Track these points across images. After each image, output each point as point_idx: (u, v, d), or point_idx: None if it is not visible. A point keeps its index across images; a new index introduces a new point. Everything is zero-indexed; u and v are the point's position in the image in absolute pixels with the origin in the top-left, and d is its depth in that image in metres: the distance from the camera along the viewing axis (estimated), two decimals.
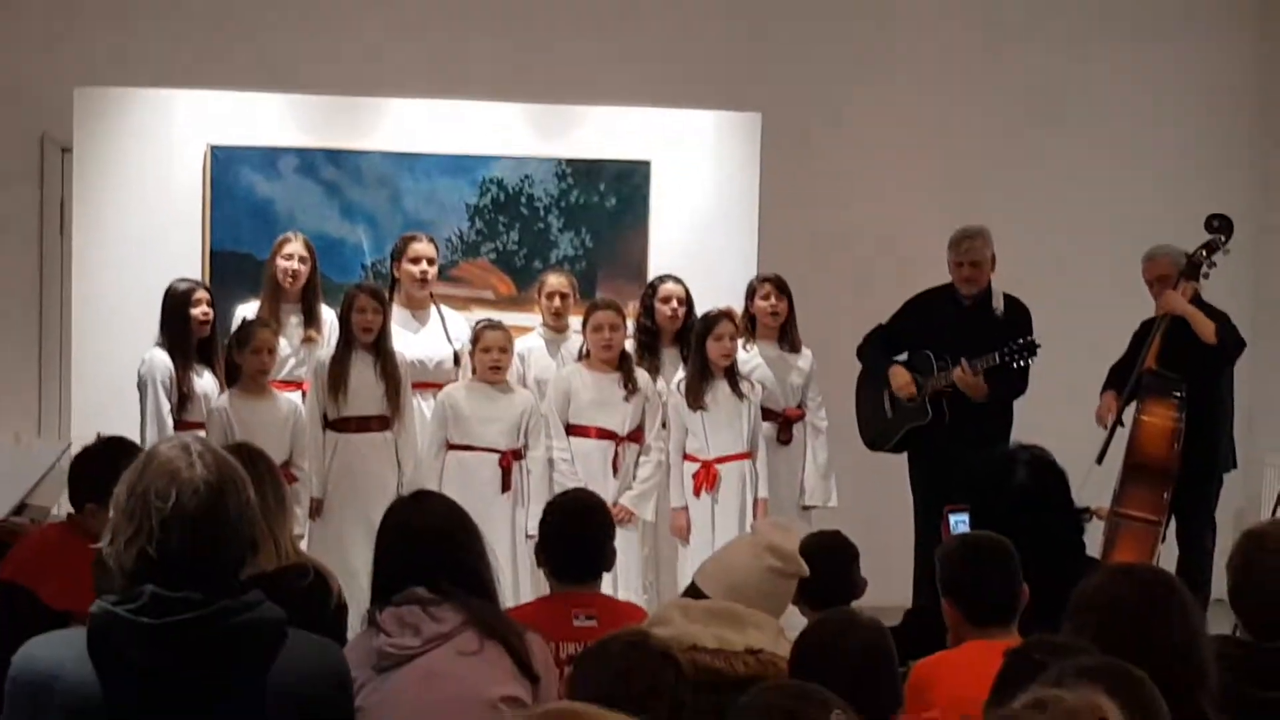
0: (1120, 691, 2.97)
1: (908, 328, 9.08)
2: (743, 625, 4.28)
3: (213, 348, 8.55)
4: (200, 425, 8.22)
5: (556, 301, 8.98)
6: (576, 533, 5.13)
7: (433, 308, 9.05)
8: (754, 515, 8.53)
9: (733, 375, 8.60)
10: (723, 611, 4.33)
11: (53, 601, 5.06)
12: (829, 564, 5.24)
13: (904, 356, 9.02)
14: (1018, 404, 8.84)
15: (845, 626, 3.94)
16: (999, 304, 8.92)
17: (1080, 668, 3.09)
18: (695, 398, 8.55)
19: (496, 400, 8.50)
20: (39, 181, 10.46)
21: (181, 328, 8.36)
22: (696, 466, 8.61)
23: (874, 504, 9.11)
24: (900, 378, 8.93)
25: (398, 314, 8.79)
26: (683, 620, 4.23)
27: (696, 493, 8.56)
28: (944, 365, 8.74)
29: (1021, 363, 8.54)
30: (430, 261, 8.94)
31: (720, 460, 8.59)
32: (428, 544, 4.25)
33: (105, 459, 5.22)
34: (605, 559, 5.12)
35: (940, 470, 8.64)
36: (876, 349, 9.14)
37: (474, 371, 8.59)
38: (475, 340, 8.54)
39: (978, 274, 8.89)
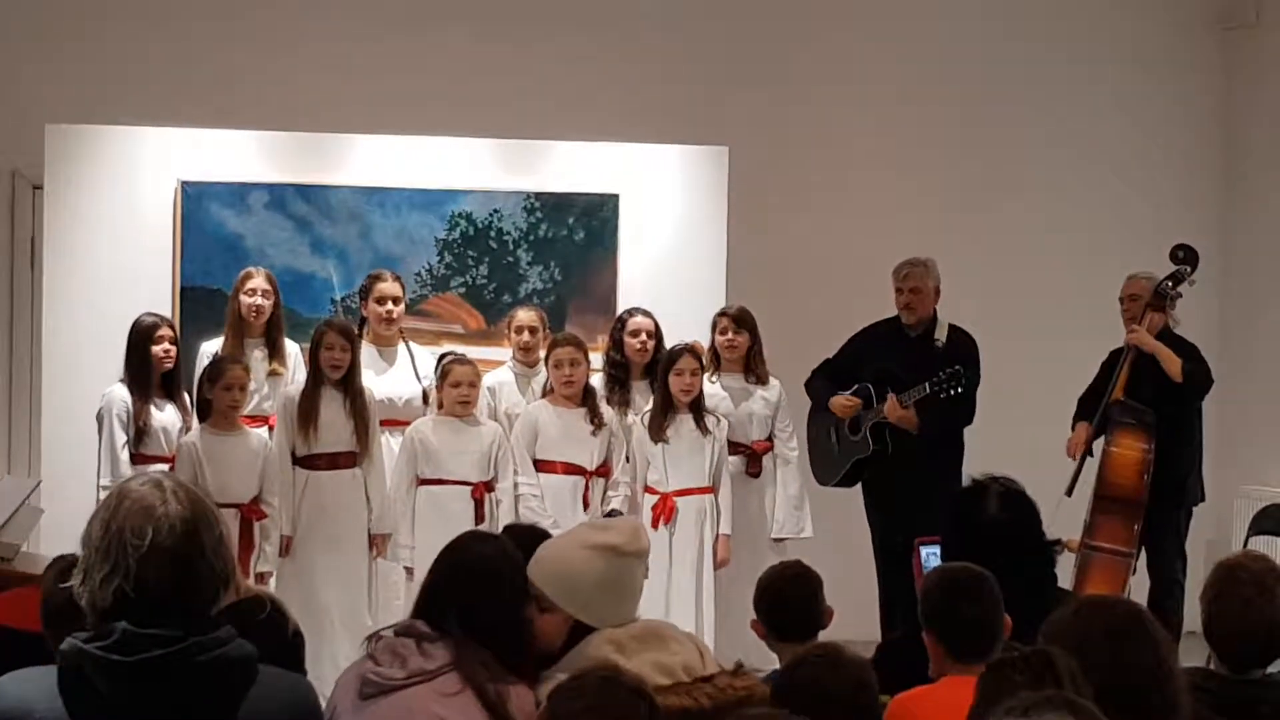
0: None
1: (853, 360, 9.10)
2: (666, 643, 4.24)
3: (176, 382, 8.55)
4: (158, 459, 8.25)
5: (526, 336, 8.95)
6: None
7: (401, 345, 9.03)
8: (714, 551, 8.60)
9: (698, 410, 8.61)
10: (646, 634, 4.27)
11: None
12: (793, 595, 5.21)
13: (853, 390, 9.02)
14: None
15: (832, 664, 3.92)
16: (942, 335, 8.94)
17: (1036, 701, 3.04)
18: (657, 430, 8.57)
19: (464, 433, 8.47)
20: (10, 218, 10.45)
21: (143, 362, 8.38)
22: (655, 499, 8.62)
23: (847, 535, 9.10)
24: (839, 401, 8.95)
25: (366, 352, 8.75)
26: (619, 656, 4.16)
27: (654, 525, 8.49)
28: (884, 397, 8.77)
29: (949, 393, 8.52)
30: (396, 301, 8.91)
31: (678, 494, 8.61)
32: (473, 580, 4.23)
33: None
34: None
35: (890, 502, 8.72)
36: (822, 382, 9.16)
37: (440, 406, 8.57)
38: (443, 375, 8.50)
39: (917, 301, 8.92)
